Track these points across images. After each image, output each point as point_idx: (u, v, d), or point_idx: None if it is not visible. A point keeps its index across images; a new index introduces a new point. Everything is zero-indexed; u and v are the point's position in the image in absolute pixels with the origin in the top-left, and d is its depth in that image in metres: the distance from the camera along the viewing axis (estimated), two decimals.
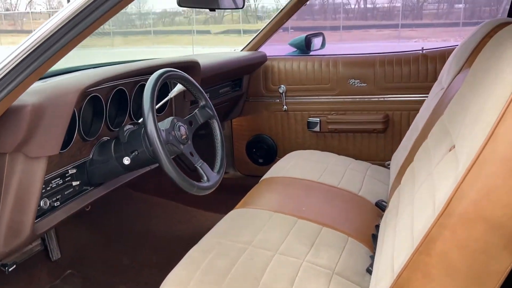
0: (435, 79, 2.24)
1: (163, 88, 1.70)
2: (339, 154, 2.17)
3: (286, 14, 2.36)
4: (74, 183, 1.34)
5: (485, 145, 0.84)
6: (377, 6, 23.96)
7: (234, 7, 1.77)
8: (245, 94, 2.56)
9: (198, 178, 1.37)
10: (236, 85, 2.45)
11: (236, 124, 2.69)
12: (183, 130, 1.36)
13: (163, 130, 1.29)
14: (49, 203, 1.23)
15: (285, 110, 2.53)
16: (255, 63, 2.45)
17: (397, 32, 19.08)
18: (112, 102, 1.49)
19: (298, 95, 2.50)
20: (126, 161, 1.35)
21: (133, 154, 1.35)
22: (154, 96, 1.26)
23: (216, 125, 1.52)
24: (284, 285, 1.18)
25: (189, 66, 1.75)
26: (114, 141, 1.42)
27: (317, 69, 2.44)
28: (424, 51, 2.31)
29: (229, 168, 2.78)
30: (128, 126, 1.43)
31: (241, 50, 2.54)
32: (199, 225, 2.03)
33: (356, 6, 24.34)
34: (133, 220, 2.16)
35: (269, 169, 2.02)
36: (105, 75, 1.34)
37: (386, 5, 23.56)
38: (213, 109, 1.51)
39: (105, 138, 1.46)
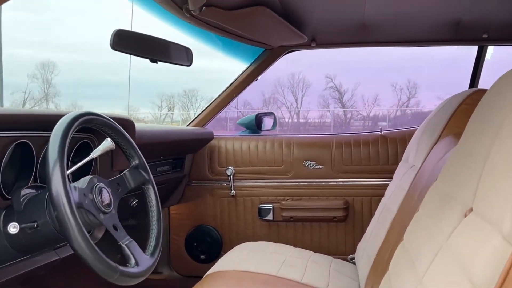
0: (397, 161, 2.07)
1: (84, 148, 1.34)
2: (295, 246, 1.86)
3: (236, 89, 2.17)
4: None
5: None
6: (309, 121, 25.43)
7: (181, 63, 1.54)
8: (186, 177, 2.23)
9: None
10: (177, 165, 2.12)
11: (174, 213, 2.30)
12: (105, 194, 1.01)
13: (76, 188, 0.93)
14: None
15: (233, 195, 2.21)
16: (200, 139, 2.17)
17: None
18: (11, 161, 1.11)
19: (248, 178, 2.22)
20: (13, 228, 0.94)
21: (30, 226, 0.95)
22: (66, 141, 0.92)
23: (151, 192, 1.17)
24: None
25: (121, 124, 1.41)
26: (4, 211, 1.01)
27: (269, 150, 2.20)
28: (383, 132, 2.16)
29: (163, 268, 2.32)
30: (26, 191, 1.05)
31: (186, 126, 2.27)
32: None
33: (290, 120, 25.67)
34: None
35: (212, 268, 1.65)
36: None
37: (317, 120, 25.07)
38: (149, 171, 1.17)
39: None
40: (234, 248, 1.81)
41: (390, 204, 1.61)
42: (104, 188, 1.01)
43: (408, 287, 0.94)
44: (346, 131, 22.94)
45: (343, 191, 2.14)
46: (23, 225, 0.95)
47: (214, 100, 2.21)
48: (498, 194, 0.75)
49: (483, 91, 1.49)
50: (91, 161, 1.12)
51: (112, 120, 1.10)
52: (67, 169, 1.28)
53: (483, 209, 0.80)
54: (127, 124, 1.45)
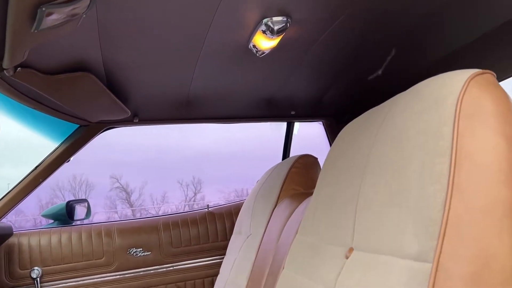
0: (225, 237, 2.05)
1: None
2: None
3: (43, 172, 1.85)
4: None
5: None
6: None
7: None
8: None
9: None
10: None
11: None
12: None
13: None
14: None
15: None
16: None
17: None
18: None
19: (61, 278, 1.84)
20: None
21: None
22: None
23: None
24: None
25: None
26: None
27: (86, 241, 1.91)
28: (210, 208, 2.13)
29: None
30: None
31: None
32: None
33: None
34: None
35: None
36: None
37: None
38: None
39: None
40: None
41: (235, 278, 1.55)
42: None
43: None
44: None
45: (174, 276, 1.97)
46: None
47: (15, 187, 1.83)
48: (382, 224, 0.78)
49: (307, 155, 1.64)
50: None
51: None
52: None
53: (368, 244, 0.81)
54: None
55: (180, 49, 1.31)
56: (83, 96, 1.53)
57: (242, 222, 1.80)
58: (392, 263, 0.72)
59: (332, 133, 2.14)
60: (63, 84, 1.39)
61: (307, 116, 2.08)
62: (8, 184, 1.89)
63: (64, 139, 1.84)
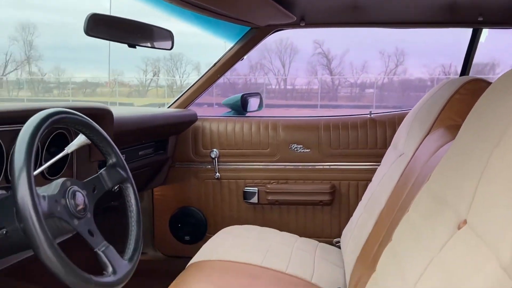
0: (385, 145, 2.03)
1: (59, 141, 1.27)
2: (280, 230, 1.83)
3: (220, 68, 2.08)
4: None
5: None
6: (296, 87, 25.33)
7: (162, 47, 1.45)
8: (170, 159, 2.17)
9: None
10: (160, 147, 2.06)
11: (158, 195, 2.26)
12: (80, 198, 0.94)
13: (45, 197, 0.87)
14: None
15: (217, 178, 2.17)
16: (183, 122, 2.10)
17: (315, 111, 20.01)
18: None
19: (233, 160, 2.16)
20: None
21: None
22: (33, 146, 0.84)
23: (130, 191, 1.11)
24: None
25: (97, 115, 1.34)
26: None
27: (255, 132, 2.15)
28: (372, 115, 2.12)
29: (147, 248, 2.30)
30: None
31: (168, 107, 2.19)
32: None
33: (277, 87, 25.53)
34: None
35: (197, 248, 1.64)
36: None
37: (304, 87, 24.98)
38: (127, 169, 1.11)
39: None
40: (218, 233, 1.78)
41: (378, 194, 1.58)
42: (78, 191, 0.95)
43: None
44: (333, 99, 22.92)
45: (330, 175, 2.11)
46: None
47: (198, 81, 2.13)
48: (497, 211, 0.71)
49: (478, 80, 1.44)
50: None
51: (85, 117, 1.02)
52: (41, 164, 1.22)
53: (478, 225, 0.75)
54: (104, 114, 1.37)
55: None
56: (247, 5, 1.59)
57: (399, 137, 1.75)
58: (487, 259, 0.68)
59: None
60: None
61: (499, 23, 1.75)
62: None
63: (237, 40, 2.00)
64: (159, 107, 2.26)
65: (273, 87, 25.31)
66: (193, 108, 2.19)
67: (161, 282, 1.39)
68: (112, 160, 1.08)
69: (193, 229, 2.22)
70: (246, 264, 1.48)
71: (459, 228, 0.82)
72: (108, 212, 2.19)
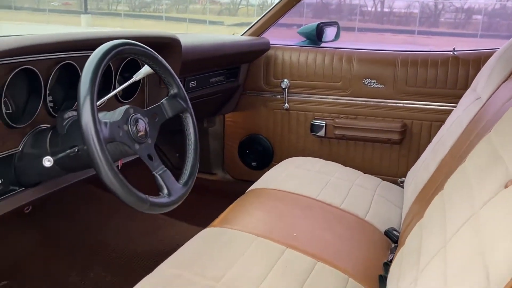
0: (466, 86, 1.89)
1: (133, 67, 1.35)
2: (345, 165, 1.84)
3: None
4: None
5: None
6: (394, 10, 23.57)
7: None
8: (241, 87, 2.21)
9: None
10: (231, 75, 2.10)
11: (229, 120, 2.34)
12: (141, 125, 1.02)
13: (108, 123, 0.95)
14: None
15: (286, 109, 2.18)
16: (255, 50, 2.10)
17: (412, 38, 18.66)
18: (59, 81, 1.15)
19: (303, 92, 2.15)
20: (47, 162, 1.00)
21: (71, 151, 1.01)
22: (97, 77, 0.91)
23: (189, 120, 1.17)
24: None
25: (166, 44, 1.39)
26: (51, 131, 1.08)
27: (328, 64, 2.09)
28: (455, 52, 1.95)
29: (217, 169, 2.44)
30: (71, 113, 1.08)
31: (241, 35, 2.19)
32: (167, 239, 1.68)
33: (373, 9, 23.97)
34: (88, 227, 1.81)
35: (262, 174, 1.69)
36: (29, 42, 0.99)
37: (403, 10, 23.15)
38: (188, 100, 1.16)
39: (43, 126, 1.12)
40: (281, 163, 1.83)
41: (446, 138, 1.51)
42: (140, 118, 1.03)
43: (433, 248, 0.91)
44: (434, 25, 21.09)
45: (402, 113, 2.03)
46: (61, 155, 1.01)
47: (272, 8, 2.08)
48: None
49: None
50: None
51: (148, 48, 1.07)
52: (115, 87, 1.32)
53: None
54: (172, 43, 1.42)
55: None
56: None
57: (480, 78, 1.62)
58: None
59: None
60: None
61: None
62: None
63: None
64: (233, 34, 2.26)
65: (369, 9, 23.78)
66: (280, 29, 2.16)
67: (227, 202, 1.48)
68: (173, 91, 1.14)
69: (260, 156, 2.30)
70: (301, 195, 1.52)
71: (505, 186, 0.79)
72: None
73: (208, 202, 1.67)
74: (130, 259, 1.64)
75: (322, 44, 2.22)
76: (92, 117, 0.88)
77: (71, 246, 1.72)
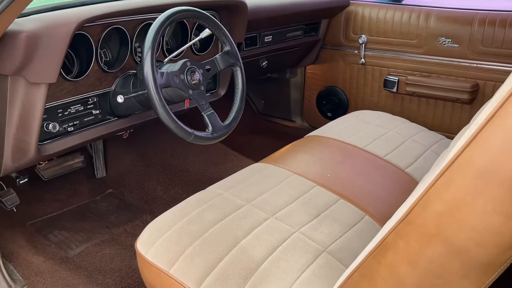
0: None
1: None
2: (414, 121, 1.93)
3: None
4: (94, 112, 1.39)
5: (463, 149, 0.66)
6: None
7: None
8: (321, 41, 2.37)
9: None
10: (311, 30, 2.27)
11: (309, 72, 2.53)
12: (196, 75, 1.29)
13: (166, 73, 1.24)
14: (61, 128, 1.29)
15: (362, 64, 2.30)
16: (335, 6, 2.23)
17: None
18: (139, 36, 1.46)
19: (379, 48, 2.24)
20: (120, 99, 1.33)
21: (143, 92, 1.32)
22: (158, 36, 1.20)
23: (239, 74, 1.42)
24: (262, 251, 1.11)
25: (232, 6, 1.62)
26: (134, 75, 1.42)
27: (405, 21, 2.14)
28: None
29: (296, 117, 2.68)
30: None
31: None
32: (232, 169, 2.00)
33: None
34: (172, 154, 2.23)
35: None
36: (114, 9, 1.30)
37: None
38: (238, 56, 1.41)
39: (130, 72, 1.47)
40: (349, 114, 1.98)
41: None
42: (196, 70, 1.30)
43: None
44: None
45: (475, 73, 2.02)
46: (131, 95, 1.33)
47: None
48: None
49: None
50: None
51: (204, 13, 1.31)
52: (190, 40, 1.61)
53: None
54: (238, 5, 1.65)
55: None
56: None
57: None
58: None
59: None
60: None
61: None
62: None
63: None
64: None
65: None
66: None
67: None
68: (226, 48, 1.39)
69: (336, 107, 2.47)
70: (348, 144, 1.67)
71: None
72: (269, 82, 2.61)
73: (281, 144, 1.90)
74: (203, 183, 2.00)
75: (404, 2, 2.25)
76: (151, 68, 1.17)
77: (159, 167, 2.15)
